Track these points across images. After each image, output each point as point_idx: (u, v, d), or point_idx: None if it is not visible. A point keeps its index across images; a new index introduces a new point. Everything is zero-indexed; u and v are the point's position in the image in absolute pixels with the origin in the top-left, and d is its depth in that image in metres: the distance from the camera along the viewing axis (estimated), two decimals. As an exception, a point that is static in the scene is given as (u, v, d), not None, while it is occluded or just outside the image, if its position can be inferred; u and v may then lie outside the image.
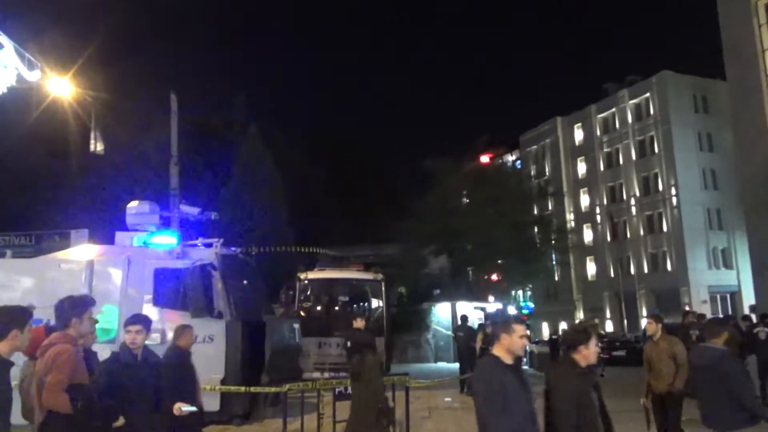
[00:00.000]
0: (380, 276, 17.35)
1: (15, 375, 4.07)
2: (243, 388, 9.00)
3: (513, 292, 44.08)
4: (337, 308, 17.99)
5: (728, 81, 40.57)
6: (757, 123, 36.24)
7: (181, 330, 6.67)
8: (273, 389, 8.94)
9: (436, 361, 26.58)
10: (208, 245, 10.34)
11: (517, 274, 36.07)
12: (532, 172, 55.67)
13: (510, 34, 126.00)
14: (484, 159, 54.26)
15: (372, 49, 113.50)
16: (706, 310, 37.13)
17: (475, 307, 28.08)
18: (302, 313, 16.84)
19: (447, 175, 32.88)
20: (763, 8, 37.02)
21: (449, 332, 25.69)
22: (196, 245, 10.35)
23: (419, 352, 26.97)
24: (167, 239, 10.31)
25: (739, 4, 37.44)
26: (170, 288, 9.64)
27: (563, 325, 53.63)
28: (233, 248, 11.01)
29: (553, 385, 4.30)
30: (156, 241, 10.36)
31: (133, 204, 10.89)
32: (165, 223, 11.24)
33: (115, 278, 9.82)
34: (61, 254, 10.48)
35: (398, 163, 41.49)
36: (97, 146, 17.98)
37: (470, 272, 36.54)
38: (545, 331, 52.20)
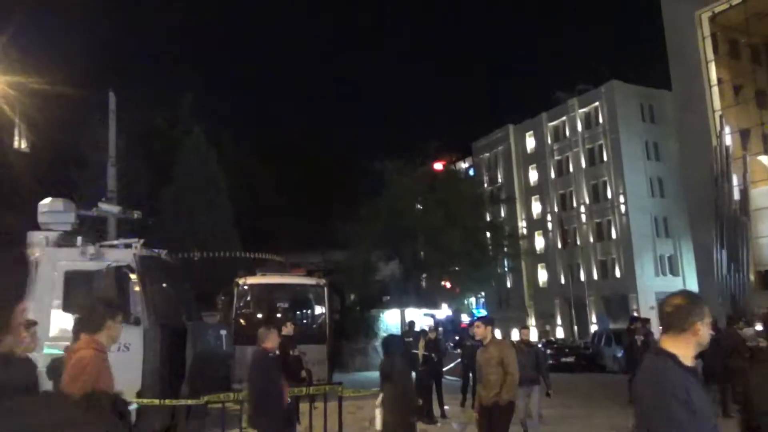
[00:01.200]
0: (322, 281, 16.75)
1: None
2: (159, 401, 8.27)
3: (465, 299, 43.97)
4: (278, 315, 17.27)
5: (673, 90, 41.37)
6: (700, 131, 36.96)
7: (266, 333, 6.97)
8: (190, 401, 8.26)
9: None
10: (128, 246, 9.56)
11: (469, 280, 35.87)
12: (485, 179, 55.85)
13: (463, 42, 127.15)
14: (438, 166, 54.30)
15: (325, 52, 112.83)
16: (654, 316, 37.52)
17: (425, 314, 27.68)
18: (241, 321, 16.10)
19: (398, 178, 32.54)
20: (706, 20, 37.84)
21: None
22: (114, 245, 9.57)
23: (366, 359, 26.32)
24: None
25: (683, 16, 38.23)
26: (82, 292, 8.83)
27: (515, 332, 53.81)
28: (156, 249, 10.22)
29: (756, 387, 3.36)
30: (69, 241, 9.54)
31: (46, 201, 10.00)
32: (82, 223, 10.39)
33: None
34: (-41, 255, 9.55)
35: (350, 168, 40.91)
36: (21, 143, 16.97)
37: (422, 279, 36.21)
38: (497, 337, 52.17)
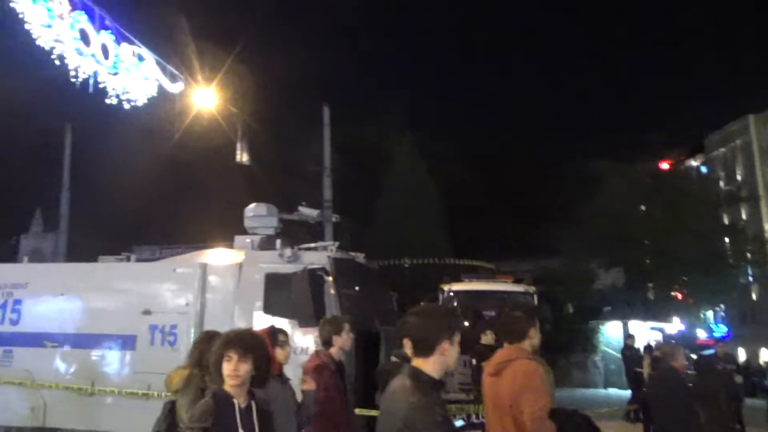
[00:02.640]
0: (531, 289, 15.65)
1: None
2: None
3: (701, 312, 39.47)
4: (485, 323, 16.50)
5: None
6: None
7: (672, 349, 6.16)
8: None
9: (606, 386, 23.86)
10: (324, 249, 9.49)
11: (705, 291, 32.00)
12: (721, 177, 49.89)
13: (692, 24, 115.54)
14: (664, 165, 49.85)
15: (533, 47, 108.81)
16: None
17: (652, 327, 25.09)
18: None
19: (618, 179, 30.10)
20: None
21: (620, 355, 23.12)
22: (310, 248, 9.54)
23: (586, 375, 24.44)
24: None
25: None
26: (280, 294, 8.87)
27: (764, 352, 47.13)
28: (353, 253, 10.08)
29: None
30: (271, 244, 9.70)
31: (251, 206, 10.38)
32: (285, 227, 10.59)
33: (228, 283, 9.26)
34: (178, 258, 10.20)
35: (565, 170, 38.63)
36: (242, 157, 18.23)
37: (650, 288, 33.12)
38: (741, 357, 46.14)
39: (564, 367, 23.34)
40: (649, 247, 30.73)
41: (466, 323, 16.32)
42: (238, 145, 18.00)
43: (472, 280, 16.82)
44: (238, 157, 17.99)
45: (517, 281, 16.85)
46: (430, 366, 2.87)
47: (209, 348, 5.17)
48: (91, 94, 12.48)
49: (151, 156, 23.31)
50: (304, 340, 8.28)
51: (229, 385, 3.16)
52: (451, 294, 15.96)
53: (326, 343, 5.30)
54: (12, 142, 28.04)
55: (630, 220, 29.95)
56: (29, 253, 28.97)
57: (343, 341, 5.31)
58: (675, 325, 31.13)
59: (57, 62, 11.13)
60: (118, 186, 27.60)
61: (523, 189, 38.82)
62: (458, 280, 17.00)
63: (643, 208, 31.48)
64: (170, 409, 4.15)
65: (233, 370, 3.14)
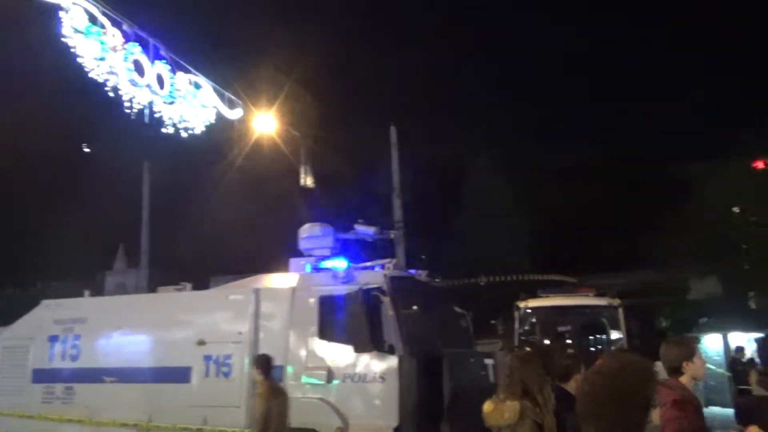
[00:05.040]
0: (616, 302, 14.42)
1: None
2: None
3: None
4: (567, 342, 15.40)
5: None
6: None
7: None
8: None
9: (706, 405, 21.91)
10: (382, 267, 8.92)
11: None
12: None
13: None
14: (759, 165, 46.63)
15: (611, 50, 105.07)
16: None
17: (756, 339, 23.06)
18: (525, 348, 14.66)
19: (711, 180, 28.18)
20: None
21: (721, 370, 21.30)
22: (366, 267, 8.98)
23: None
24: (338, 263, 9.09)
25: None
26: (335, 318, 8.36)
27: None
28: (413, 270, 9.45)
29: None
30: (327, 265, 9.21)
31: (305, 227, 9.94)
32: (342, 247, 10.06)
33: (282, 308, 8.82)
34: (232, 285, 9.88)
35: (654, 176, 36.53)
36: (307, 180, 18.04)
37: (750, 297, 30.74)
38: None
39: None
40: (747, 252, 28.63)
41: (546, 341, 15.37)
42: (302, 169, 17.84)
43: (549, 296, 15.76)
44: (302, 181, 17.81)
45: (600, 294, 15.65)
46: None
47: (533, 375, 4.58)
48: (158, 128, 12.52)
49: (216, 184, 23.63)
50: (370, 367, 7.73)
51: None
52: (528, 311, 14.97)
53: (674, 370, 4.27)
54: (93, 180, 29.13)
55: (724, 224, 27.98)
56: (113, 288, 29.91)
57: (697, 369, 4.30)
58: (781, 336, 28.61)
59: (111, 94, 11.16)
60: (189, 218, 28.17)
61: (609, 198, 37.11)
62: (535, 296, 15.99)
63: (736, 210, 29.35)
64: None
65: None
